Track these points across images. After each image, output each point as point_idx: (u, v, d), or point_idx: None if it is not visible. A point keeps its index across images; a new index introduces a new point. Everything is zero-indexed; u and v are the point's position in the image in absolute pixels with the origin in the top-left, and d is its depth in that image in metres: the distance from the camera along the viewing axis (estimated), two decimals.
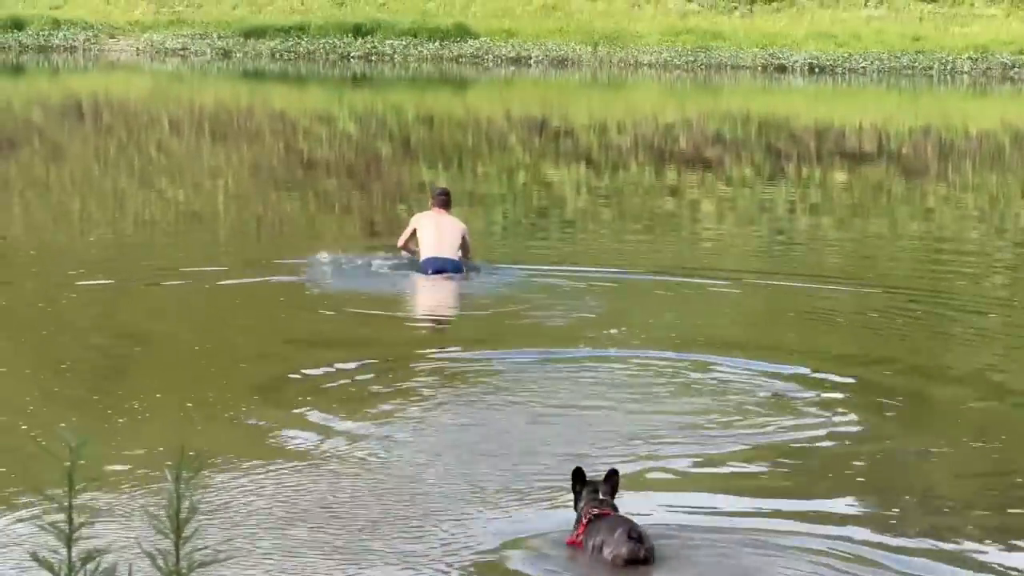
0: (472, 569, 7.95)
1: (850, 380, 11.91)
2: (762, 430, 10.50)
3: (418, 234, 16.12)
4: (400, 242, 16.35)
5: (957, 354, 13.39)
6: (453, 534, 8.40)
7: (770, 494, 9.27)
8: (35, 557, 4.21)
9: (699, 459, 9.85)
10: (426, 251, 15.97)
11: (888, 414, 11.07)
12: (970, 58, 50.53)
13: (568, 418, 10.75)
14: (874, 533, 8.60)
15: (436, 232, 16.02)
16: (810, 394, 11.45)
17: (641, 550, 7.70)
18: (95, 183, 25.02)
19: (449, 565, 7.97)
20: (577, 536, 8.03)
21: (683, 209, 23.44)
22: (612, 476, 8.20)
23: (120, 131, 32.95)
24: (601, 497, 8.08)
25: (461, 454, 9.86)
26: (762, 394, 11.43)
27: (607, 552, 7.76)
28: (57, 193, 23.71)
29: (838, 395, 11.44)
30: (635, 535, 7.71)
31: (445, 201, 16.35)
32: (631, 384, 11.68)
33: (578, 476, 8.21)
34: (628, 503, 8.62)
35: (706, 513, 8.90)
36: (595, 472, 8.38)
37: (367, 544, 8.27)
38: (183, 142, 31.46)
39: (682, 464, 9.74)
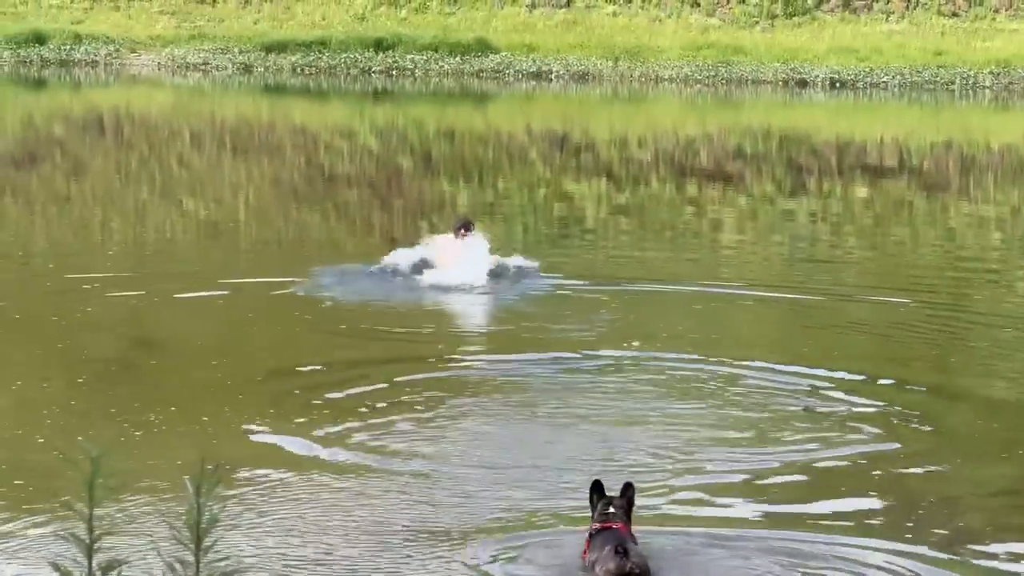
0: None
1: (874, 392, 11.87)
2: (786, 442, 10.46)
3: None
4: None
5: (983, 367, 13.33)
6: (469, 546, 8.38)
7: (793, 506, 9.24)
8: (56, 567, 4.20)
9: (721, 471, 9.82)
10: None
11: (913, 427, 11.02)
12: (992, 73, 50.40)
13: (589, 429, 10.73)
14: (896, 547, 8.56)
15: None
16: (833, 407, 11.41)
17: (628, 564, 7.72)
18: (116, 196, 25.06)
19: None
20: (585, 551, 8.08)
21: (705, 223, 23.39)
22: (627, 490, 8.24)
23: (141, 145, 33.01)
24: (610, 510, 8.10)
25: (480, 465, 9.85)
26: (786, 406, 11.39)
27: (599, 569, 7.81)
28: (78, 206, 23.75)
29: (861, 408, 11.40)
30: (621, 550, 7.74)
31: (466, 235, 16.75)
32: (653, 395, 11.65)
33: (595, 489, 8.23)
34: (649, 514, 8.59)
35: (726, 524, 8.86)
36: (615, 483, 8.36)
37: (382, 554, 8.27)
38: (204, 156, 31.50)
39: (703, 476, 9.71)
